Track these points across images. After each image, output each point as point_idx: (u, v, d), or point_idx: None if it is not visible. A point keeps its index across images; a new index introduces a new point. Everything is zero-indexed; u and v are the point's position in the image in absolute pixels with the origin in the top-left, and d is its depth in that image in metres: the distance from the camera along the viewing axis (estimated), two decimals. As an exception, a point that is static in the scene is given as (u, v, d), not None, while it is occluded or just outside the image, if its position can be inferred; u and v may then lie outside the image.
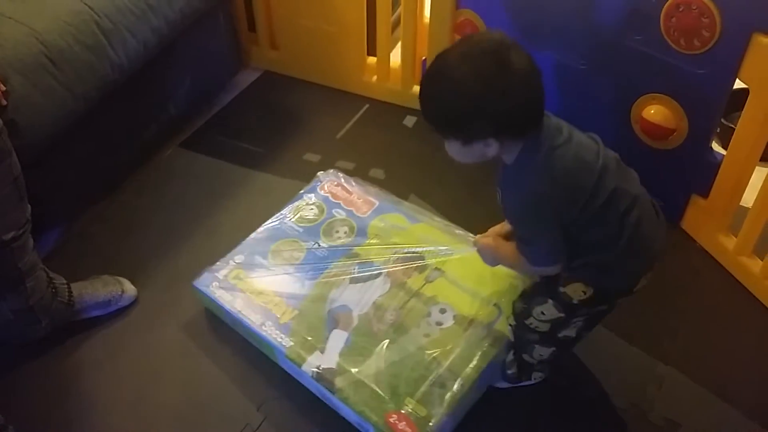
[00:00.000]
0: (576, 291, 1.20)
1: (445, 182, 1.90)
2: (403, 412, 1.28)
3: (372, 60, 2.16)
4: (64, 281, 1.51)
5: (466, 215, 1.75)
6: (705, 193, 1.68)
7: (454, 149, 1.13)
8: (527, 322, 1.28)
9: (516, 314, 1.32)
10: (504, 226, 1.32)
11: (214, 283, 1.53)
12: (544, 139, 1.10)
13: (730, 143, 1.58)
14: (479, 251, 1.35)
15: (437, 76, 1.09)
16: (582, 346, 1.41)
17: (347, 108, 2.18)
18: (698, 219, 1.73)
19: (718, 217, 1.67)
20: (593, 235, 1.15)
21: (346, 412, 1.34)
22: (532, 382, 1.43)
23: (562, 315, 1.24)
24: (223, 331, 1.55)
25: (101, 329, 1.56)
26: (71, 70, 1.54)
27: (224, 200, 1.87)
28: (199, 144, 2.05)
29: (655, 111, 1.65)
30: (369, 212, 1.66)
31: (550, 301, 1.23)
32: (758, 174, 1.56)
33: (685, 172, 1.69)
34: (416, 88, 2.13)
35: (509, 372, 1.41)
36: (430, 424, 1.27)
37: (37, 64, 1.48)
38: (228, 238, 1.73)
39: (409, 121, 2.12)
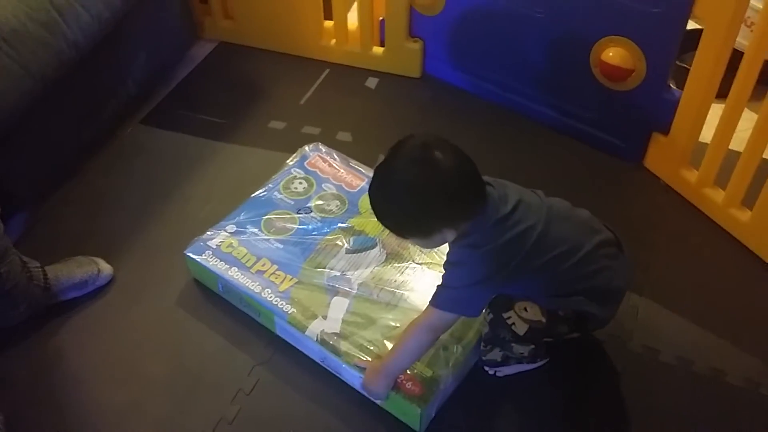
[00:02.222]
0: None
1: (412, 140, 1.91)
2: (409, 372, 1.30)
3: (329, 23, 2.14)
4: (38, 264, 1.48)
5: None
6: (665, 131, 1.73)
7: (417, 243, 1.26)
8: (506, 315, 1.25)
9: (495, 306, 1.27)
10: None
11: (207, 252, 1.52)
12: (492, 213, 1.16)
13: (687, 81, 1.62)
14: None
15: (381, 187, 1.16)
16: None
17: (308, 74, 2.17)
18: (660, 156, 1.79)
19: (680, 153, 1.72)
20: (555, 283, 1.24)
21: (350, 374, 1.35)
22: (536, 364, 1.37)
23: (543, 320, 1.25)
24: (206, 301, 1.55)
25: (81, 310, 1.54)
26: (25, 48, 1.49)
27: (191, 174, 1.85)
28: (160, 119, 2.02)
29: (613, 53, 1.68)
30: (359, 187, 1.66)
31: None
32: (715, 110, 1.61)
33: (645, 111, 1.73)
34: (376, 49, 2.13)
35: (487, 358, 1.34)
36: (437, 383, 1.30)
37: (-11, 43, 1.43)
38: (199, 211, 1.73)
39: (371, 82, 2.12)
